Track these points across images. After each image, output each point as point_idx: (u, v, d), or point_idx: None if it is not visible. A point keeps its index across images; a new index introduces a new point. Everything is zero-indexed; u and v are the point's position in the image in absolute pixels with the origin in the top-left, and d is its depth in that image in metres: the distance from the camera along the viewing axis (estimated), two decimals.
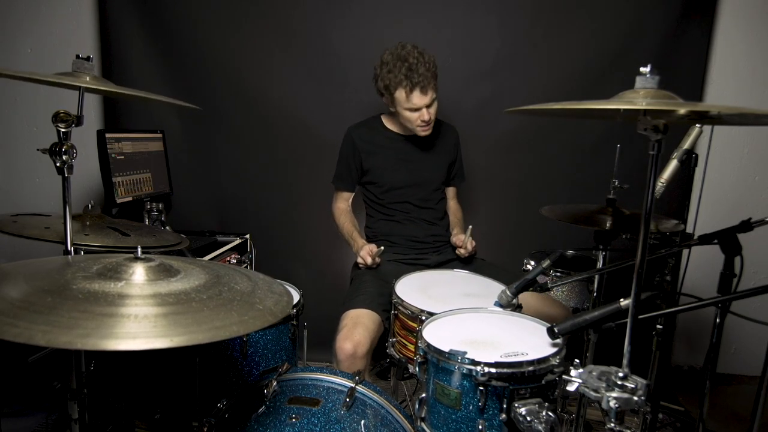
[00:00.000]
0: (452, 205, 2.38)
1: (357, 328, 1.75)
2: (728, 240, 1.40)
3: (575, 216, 1.85)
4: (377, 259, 2.06)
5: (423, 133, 2.09)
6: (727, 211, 2.56)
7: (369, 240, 2.25)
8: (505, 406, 1.18)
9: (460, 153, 2.35)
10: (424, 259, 2.16)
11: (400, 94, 1.99)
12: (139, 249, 1.00)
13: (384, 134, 2.20)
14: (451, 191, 2.38)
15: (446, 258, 2.18)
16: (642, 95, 1.01)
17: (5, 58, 2.80)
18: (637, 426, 1.97)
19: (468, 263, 2.13)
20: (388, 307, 1.76)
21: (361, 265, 2.09)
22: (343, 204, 2.31)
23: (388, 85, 2.00)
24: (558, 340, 1.29)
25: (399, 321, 1.67)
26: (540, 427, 1.14)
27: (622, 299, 1.15)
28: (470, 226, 2.09)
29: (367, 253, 2.04)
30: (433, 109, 2.03)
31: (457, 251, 2.14)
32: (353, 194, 2.31)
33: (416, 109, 2.00)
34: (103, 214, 1.71)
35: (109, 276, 0.93)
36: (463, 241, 2.09)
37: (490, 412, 1.20)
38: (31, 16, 2.79)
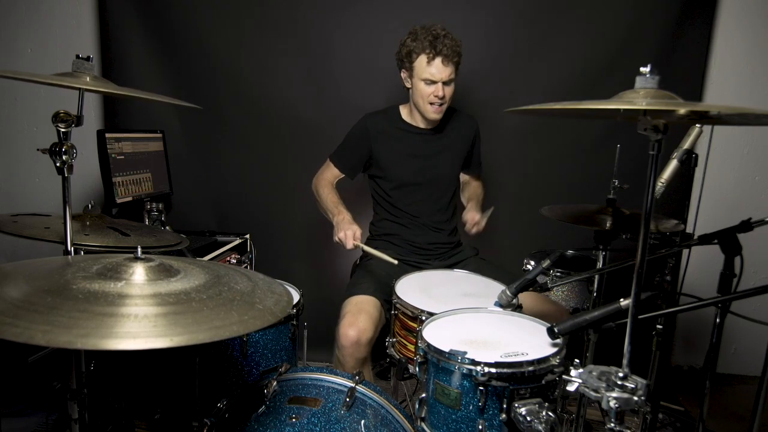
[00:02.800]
0: (473, 183, 2.35)
1: (361, 315, 1.75)
2: (728, 240, 1.40)
3: (575, 216, 1.85)
4: (357, 243, 1.88)
5: (434, 115, 2.04)
6: (727, 211, 2.55)
7: (371, 238, 2.24)
8: (505, 406, 1.19)
9: (478, 145, 2.30)
10: (426, 264, 2.13)
11: (420, 61, 1.96)
12: (139, 249, 1.00)
13: (400, 126, 2.15)
14: (469, 176, 2.35)
15: (449, 263, 2.15)
16: (642, 95, 1.01)
17: (5, 58, 2.80)
18: (637, 426, 1.98)
19: (468, 263, 2.12)
20: (389, 298, 1.75)
21: (337, 241, 1.92)
22: (329, 176, 2.18)
23: (410, 52, 1.98)
24: (558, 340, 1.29)
25: (399, 321, 1.67)
26: (540, 427, 1.14)
27: (622, 299, 1.15)
28: (492, 208, 2.04)
29: (352, 235, 1.86)
30: (449, 90, 2.00)
31: (465, 227, 2.09)
32: (342, 176, 2.20)
33: (433, 81, 1.97)
34: (103, 214, 1.71)
35: (109, 276, 0.93)
36: (476, 220, 2.04)
37: (490, 412, 1.20)
38: (31, 16, 2.79)
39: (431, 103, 2.01)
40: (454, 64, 1.97)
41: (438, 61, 1.94)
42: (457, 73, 2.01)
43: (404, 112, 2.18)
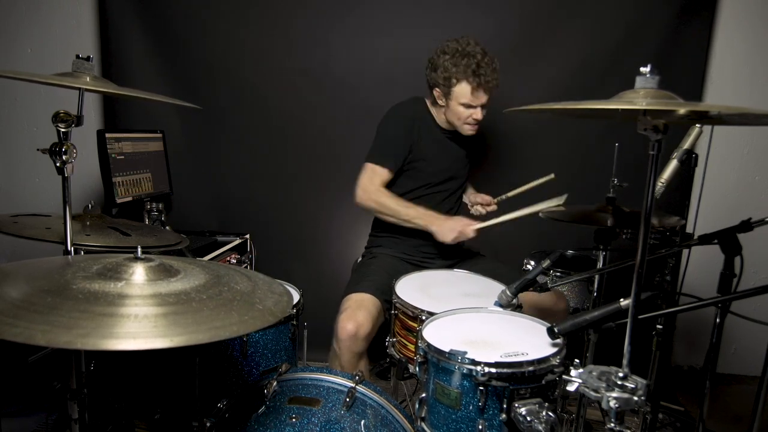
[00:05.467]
0: None
1: (360, 311, 1.77)
2: (728, 240, 1.40)
3: (575, 216, 1.85)
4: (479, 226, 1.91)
5: (469, 132, 2.06)
6: (727, 211, 2.55)
7: (377, 235, 2.24)
8: (505, 406, 1.19)
9: None
10: (429, 263, 2.13)
11: (462, 88, 1.95)
12: (139, 249, 1.00)
13: (427, 120, 2.13)
14: None
15: (452, 262, 2.15)
16: (642, 95, 1.01)
17: (5, 58, 2.80)
18: (637, 426, 1.97)
19: (468, 260, 2.10)
20: (390, 298, 1.76)
21: (452, 240, 1.91)
22: (379, 182, 2.00)
23: (449, 78, 1.95)
24: (558, 340, 1.29)
25: (399, 321, 1.67)
26: (540, 427, 1.14)
27: (622, 299, 1.15)
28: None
29: (467, 225, 1.90)
30: (484, 110, 2.03)
31: (473, 209, 2.15)
32: (390, 178, 2.05)
33: (472, 106, 1.98)
34: (103, 214, 1.71)
35: (109, 276, 0.93)
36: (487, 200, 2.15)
37: (490, 412, 1.20)
38: (31, 16, 2.79)
39: (467, 124, 2.03)
40: (492, 91, 1.99)
41: (482, 91, 1.95)
42: None
43: (431, 108, 2.14)
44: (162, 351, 0.75)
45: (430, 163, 2.11)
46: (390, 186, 2.07)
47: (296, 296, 1.72)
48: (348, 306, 1.81)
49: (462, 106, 1.98)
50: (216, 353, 1.58)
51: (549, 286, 1.50)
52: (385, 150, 2.04)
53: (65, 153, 1.19)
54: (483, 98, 1.97)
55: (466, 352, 1.21)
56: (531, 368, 1.20)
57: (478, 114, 2.00)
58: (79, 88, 1.23)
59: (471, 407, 1.21)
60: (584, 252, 2.39)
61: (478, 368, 1.18)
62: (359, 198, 2.01)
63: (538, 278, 1.47)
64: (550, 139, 2.71)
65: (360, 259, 2.25)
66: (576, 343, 1.45)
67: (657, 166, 0.99)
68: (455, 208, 2.24)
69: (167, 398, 1.93)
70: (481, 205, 2.22)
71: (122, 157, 2.28)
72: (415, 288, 1.77)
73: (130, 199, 2.31)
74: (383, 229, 2.22)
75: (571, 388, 1.13)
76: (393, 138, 2.05)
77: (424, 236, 2.14)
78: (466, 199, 2.33)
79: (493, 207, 2.19)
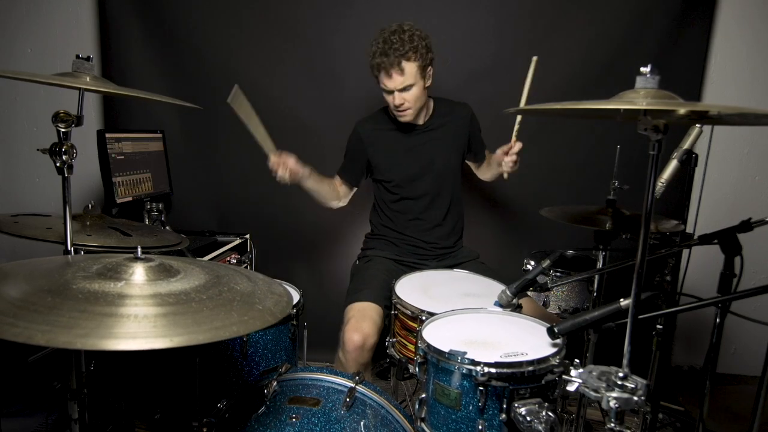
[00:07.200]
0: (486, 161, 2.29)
1: (365, 321, 1.77)
2: (728, 240, 1.40)
3: (575, 216, 1.85)
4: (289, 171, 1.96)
5: (402, 119, 2.04)
6: (727, 211, 2.56)
7: (371, 236, 2.25)
8: (505, 406, 1.18)
9: (477, 129, 2.26)
10: (424, 265, 2.13)
11: (380, 78, 1.98)
12: (139, 249, 1.00)
13: (390, 126, 2.14)
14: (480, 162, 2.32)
15: (447, 265, 2.14)
16: (642, 95, 1.01)
17: (5, 58, 2.80)
18: (637, 426, 1.97)
19: (467, 266, 2.10)
20: (389, 303, 1.76)
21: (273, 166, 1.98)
22: (337, 190, 2.21)
23: (372, 67, 1.99)
24: (558, 340, 1.29)
25: (399, 321, 1.67)
26: (540, 427, 1.14)
27: (622, 299, 1.15)
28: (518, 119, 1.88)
29: (285, 161, 1.95)
30: (409, 95, 1.96)
31: (502, 165, 1.92)
32: (351, 190, 2.24)
33: (388, 91, 1.98)
34: (103, 214, 1.71)
35: (109, 276, 0.93)
36: (506, 149, 1.89)
37: (490, 412, 1.20)
38: (31, 16, 2.79)
39: (395, 111, 2.03)
40: (399, 70, 1.91)
41: (383, 75, 1.95)
42: (422, 73, 1.96)
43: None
44: (162, 351, 0.75)
45: (392, 169, 2.13)
46: (379, 190, 2.22)
47: (296, 296, 1.72)
48: (352, 316, 1.81)
49: (384, 92, 2.00)
50: (216, 353, 1.58)
51: (549, 286, 1.50)
52: (344, 166, 2.24)
53: (65, 153, 1.19)
54: (391, 82, 1.94)
55: (465, 353, 1.21)
56: (531, 368, 1.19)
57: (394, 99, 1.97)
58: (79, 88, 1.23)
59: (471, 407, 1.21)
60: (584, 252, 2.39)
61: (478, 368, 1.18)
62: None
63: (538, 278, 1.47)
64: (550, 139, 2.71)
65: (357, 262, 2.24)
66: (576, 343, 1.45)
67: (657, 166, 0.99)
68: (445, 209, 2.17)
69: (167, 398, 1.93)
70: (506, 156, 1.91)
71: (122, 157, 2.28)
72: (415, 288, 1.77)
73: (130, 199, 2.31)
74: (376, 230, 2.24)
75: (571, 388, 1.13)
76: (347, 156, 2.23)
77: (417, 237, 2.15)
78: (495, 168, 2.11)
79: (518, 146, 1.92)
